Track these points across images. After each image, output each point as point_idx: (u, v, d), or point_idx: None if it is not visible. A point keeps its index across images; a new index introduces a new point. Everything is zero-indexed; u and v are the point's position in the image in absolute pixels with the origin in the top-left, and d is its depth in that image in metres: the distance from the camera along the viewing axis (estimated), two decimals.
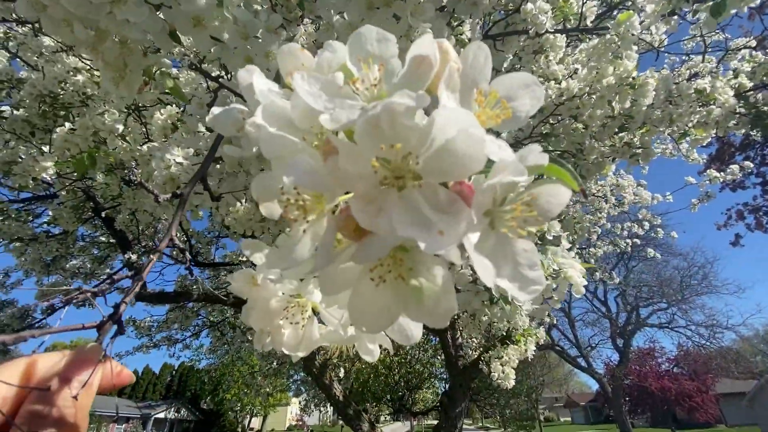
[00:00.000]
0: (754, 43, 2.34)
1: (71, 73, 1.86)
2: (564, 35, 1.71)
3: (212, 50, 0.67)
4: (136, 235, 3.35)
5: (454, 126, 0.21)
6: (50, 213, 2.59)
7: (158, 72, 0.78)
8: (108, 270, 3.73)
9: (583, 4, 1.47)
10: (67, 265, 3.45)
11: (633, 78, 1.54)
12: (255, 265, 0.39)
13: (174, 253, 3.87)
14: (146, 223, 3.18)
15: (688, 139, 2.23)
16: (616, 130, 1.80)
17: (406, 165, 0.23)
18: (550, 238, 1.47)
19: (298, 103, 0.27)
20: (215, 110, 0.40)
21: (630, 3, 1.47)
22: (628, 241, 5.98)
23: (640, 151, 1.86)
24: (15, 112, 2.00)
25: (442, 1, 1.05)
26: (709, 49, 2.23)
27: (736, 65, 2.05)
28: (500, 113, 0.28)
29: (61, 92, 1.91)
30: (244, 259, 3.92)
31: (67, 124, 1.47)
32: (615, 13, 1.77)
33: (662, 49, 1.86)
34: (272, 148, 0.28)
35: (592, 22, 1.58)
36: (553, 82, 1.99)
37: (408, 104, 0.21)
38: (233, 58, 0.61)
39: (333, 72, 0.34)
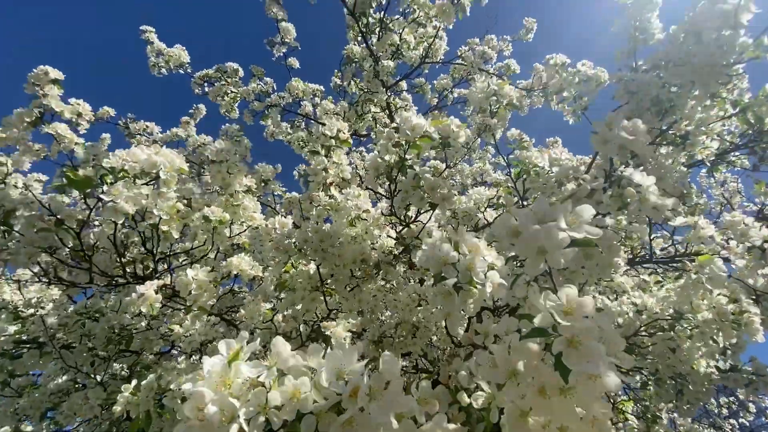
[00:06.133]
0: None
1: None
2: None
3: None
4: None
5: None
6: None
7: None
8: None
9: (651, 240, 1.48)
10: None
11: (734, 313, 1.41)
12: None
13: None
14: None
15: None
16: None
17: None
18: None
19: None
20: None
21: (706, 247, 1.46)
22: None
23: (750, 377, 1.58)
24: (82, 343, 2.03)
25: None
26: None
27: None
28: None
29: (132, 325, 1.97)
30: None
31: (133, 382, 1.42)
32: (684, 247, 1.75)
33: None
34: None
35: (661, 251, 1.57)
36: (625, 296, 1.88)
37: None
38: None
39: None
